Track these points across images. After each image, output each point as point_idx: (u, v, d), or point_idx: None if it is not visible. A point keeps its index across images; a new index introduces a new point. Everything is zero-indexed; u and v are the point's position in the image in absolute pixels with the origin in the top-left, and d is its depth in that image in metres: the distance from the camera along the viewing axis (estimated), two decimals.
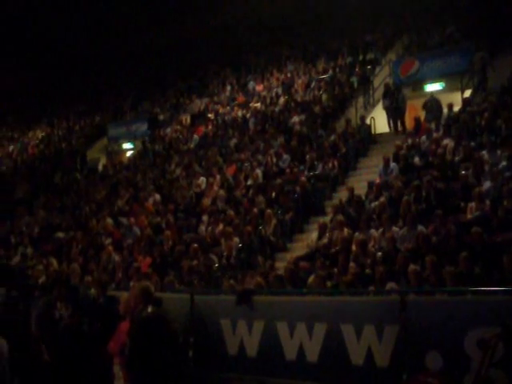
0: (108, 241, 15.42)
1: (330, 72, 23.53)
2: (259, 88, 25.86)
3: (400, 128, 17.98)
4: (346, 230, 11.75)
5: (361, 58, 23.67)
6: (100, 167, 25.03)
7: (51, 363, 8.56)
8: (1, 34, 34.50)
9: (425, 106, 17.31)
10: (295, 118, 20.20)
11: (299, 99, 22.32)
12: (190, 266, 12.05)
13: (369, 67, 22.44)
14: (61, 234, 17.06)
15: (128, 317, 7.40)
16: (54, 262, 14.06)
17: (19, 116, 37.80)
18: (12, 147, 33.38)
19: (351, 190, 13.82)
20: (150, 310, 6.11)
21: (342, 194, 14.64)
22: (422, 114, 17.25)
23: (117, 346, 7.40)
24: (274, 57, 28.78)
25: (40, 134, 33.67)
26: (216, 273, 11.99)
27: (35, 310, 9.14)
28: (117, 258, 13.95)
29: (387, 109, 18.46)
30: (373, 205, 12.64)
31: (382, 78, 20.94)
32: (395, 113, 18.20)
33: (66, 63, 35.67)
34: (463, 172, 12.04)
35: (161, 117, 28.07)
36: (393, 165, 14.07)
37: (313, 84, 23.29)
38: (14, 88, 37.83)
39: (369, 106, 20.36)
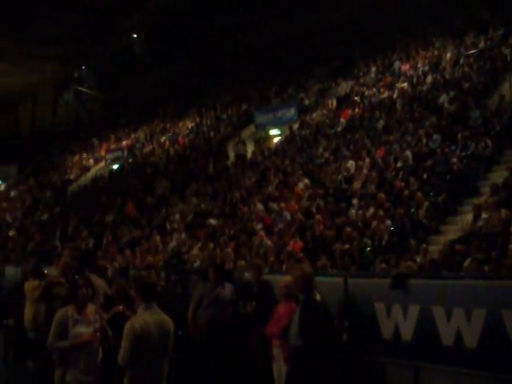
0: (259, 226, 15.70)
1: (481, 45, 22.54)
2: (405, 67, 25.24)
3: None
4: (503, 210, 11.25)
5: None
6: (249, 154, 25.45)
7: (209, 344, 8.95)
8: (152, 28, 36.10)
9: None
10: (444, 97, 19.57)
11: (447, 76, 21.59)
12: (342, 250, 12.03)
13: None
14: (213, 221, 17.55)
15: (286, 300, 7.57)
16: (209, 247, 14.51)
17: (170, 107, 39.17)
18: (164, 138, 34.74)
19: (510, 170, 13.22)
20: (318, 295, 6.19)
21: (498, 174, 14.03)
22: None
23: (276, 328, 7.56)
24: (419, 34, 27.91)
25: (190, 125, 34.74)
26: (368, 256, 11.90)
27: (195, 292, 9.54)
28: (268, 242, 14.17)
29: None
30: None
31: None
32: None
33: (212, 54, 36.56)
34: None
35: (306, 102, 28.12)
36: None
37: (461, 60, 22.43)
38: (165, 79, 39.35)
39: None
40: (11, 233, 27.66)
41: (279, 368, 7.70)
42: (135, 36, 37.77)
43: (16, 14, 31.83)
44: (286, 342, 7.18)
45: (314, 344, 6.42)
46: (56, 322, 6.13)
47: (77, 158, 41.35)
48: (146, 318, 5.71)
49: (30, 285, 11.82)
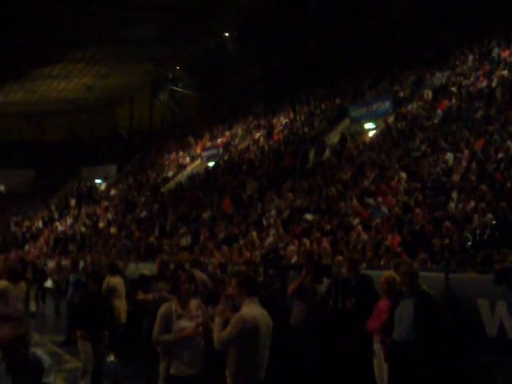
0: (356, 221, 15.56)
1: None
2: (505, 54, 24.36)
3: None
4: None
5: None
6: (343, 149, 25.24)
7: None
8: (244, 26, 36.42)
9: None
10: None
11: None
12: (442, 245, 11.77)
13: None
14: (309, 216, 17.53)
15: (387, 295, 7.49)
16: (306, 242, 14.50)
17: (264, 103, 39.39)
18: (259, 134, 34.97)
19: None
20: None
21: None
22: None
23: (377, 324, 7.49)
24: None
25: (283, 120, 34.81)
26: (469, 251, 11.58)
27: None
28: (366, 237, 14.03)
29: None
30: None
31: None
32: None
33: (305, 49, 36.53)
34: None
35: (401, 94, 27.64)
36: None
37: None
38: (258, 75, 39.65)
39: None
40: (112, 230, 28.65)
41: (379, 364, 7.62)
42: (227, 34, 38.20)
43: (113, 19, 32.86)
44: (387, 337, 7.10)
45: (430, 339, 6.31)
46: (160, 316, 6.31)
47: (173, 156, 42.25)
48: (252, 312, 5.82)
49: (117, 281, 12.26)
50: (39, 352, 5.26)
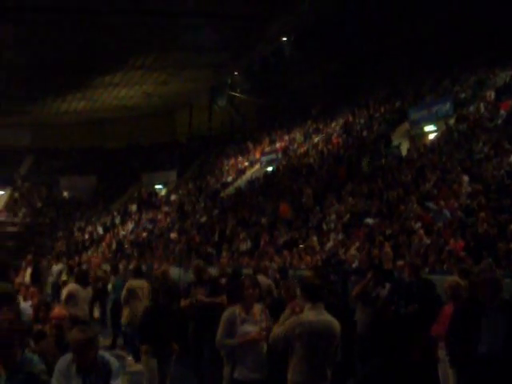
0: (418, 225, 15.36)
1: None
2: None
3: None
4: None
5: None
6: (404, 152, 24.97)
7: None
8: (301, 30, 36.39)
9: None
10: None
11: None
12: (508, 249, 11.52)
13: None
14: (370, 220, 17.39)
15: (453, 301, 7.36)
16: (367, 247, 14.41)
17: (322, 107, 39.30)
18: (317, 139, 34.86)
19: None
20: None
21: None
22: None
23: (442, 330, 7.38)
24: None
25: (342, 124, 34.63)
26: None
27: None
28: (428, 241, 13.85)
29: None
30: None
31: None
32: None
33: (363, 52, 36.27)
34: None
35: (462, 95, 27.17)
36: None
37: None
38: (316, 79, 39.57)
39: None
40: (172, 235, 28.98)
41: (445, 371, 7.50)
42: (285, 39, 38.23)
43: (171, 27, 33.32)
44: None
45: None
46: (224, 320, 6.38)
47: (232, 161, 42.50)
48: (311, 317, 5.81)
49: (138, 284, 12.51)
50: (107, 355, 5.38)
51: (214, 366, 8.31)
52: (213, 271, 12.86)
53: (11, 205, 48.14)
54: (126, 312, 12.77)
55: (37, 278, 18.18)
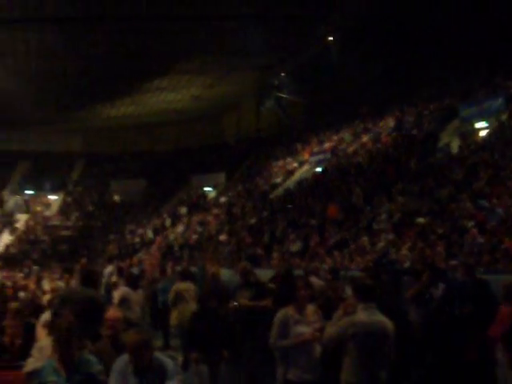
0: (470, 224, 15.11)
1: None
2: None
3: None
4: None
5: None
6: (454, 149, 24.59)
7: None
8: (348, 30, 36.22)
9: None
10: None
11: None
12: None
13: None
14: (421, 220, 17.17)
15: (508, 301, 7.21)
16: (418, 246, 14.23)
17: (371, 106, 38.95)
18: (366, 138, 34.59)
19: None
20: None
21: None
22: None
23: (498, 331, 7.24)
24: None
25: (391, 123, 34.29)
26: None
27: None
28: (482, 240, 13.61)
29: None
30: None
31: None
32: None
33: (412, 49, 35.86)
34: None
35: None
36: None
37: None
38: (364, 78, 39.24)
39: None
40: (222, 237, 29.11)
41: (503, 373, 7.35)
42: (331, 39, 38.04)
43: (217, 30, 33.55)
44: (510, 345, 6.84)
45: None
46: (278, 321, 6.39)
47: (281, 162, 42.46)
48: (363, 318, 5.77)
49: (185, 286, 12.56)
50: (162, 356, 5.46)
51: (266, 367, 8.30)
52: (261, 273, 12.83)
53: (64, 209, 49.07)
54: (174, 314, 12.87)
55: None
